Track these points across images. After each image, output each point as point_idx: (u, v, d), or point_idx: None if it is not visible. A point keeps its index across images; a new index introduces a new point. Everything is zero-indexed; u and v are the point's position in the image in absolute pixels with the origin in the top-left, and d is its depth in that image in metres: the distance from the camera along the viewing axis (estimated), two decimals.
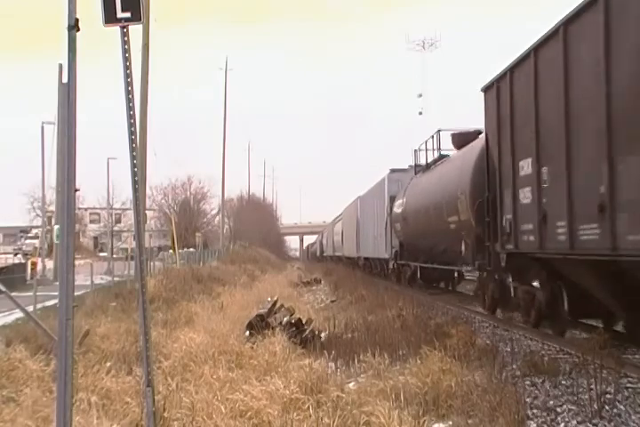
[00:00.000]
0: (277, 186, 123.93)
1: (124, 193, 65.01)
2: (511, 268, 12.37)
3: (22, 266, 32.74)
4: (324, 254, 65.68)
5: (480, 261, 13.99)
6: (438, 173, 18.34)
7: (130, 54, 5.16)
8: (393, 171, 26.87)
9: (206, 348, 9.35)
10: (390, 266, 26.44)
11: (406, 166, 25.30)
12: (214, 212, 67.26)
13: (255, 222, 73.12)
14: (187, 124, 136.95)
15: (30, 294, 17.01)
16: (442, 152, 19.95)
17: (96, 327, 11.55)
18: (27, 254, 47.52)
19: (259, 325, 10.77)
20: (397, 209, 23.38)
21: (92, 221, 76.94)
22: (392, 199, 25.02)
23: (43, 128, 40.88)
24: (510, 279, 12.77)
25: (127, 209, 67.00)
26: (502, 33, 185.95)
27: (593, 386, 7.02)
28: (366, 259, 34.59)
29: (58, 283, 4.67)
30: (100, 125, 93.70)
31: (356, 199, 37.52)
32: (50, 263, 35.58)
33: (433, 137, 20.27)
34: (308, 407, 6.48)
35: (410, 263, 22.92)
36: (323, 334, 11.12)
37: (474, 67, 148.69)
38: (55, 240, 31.31)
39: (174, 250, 36.35)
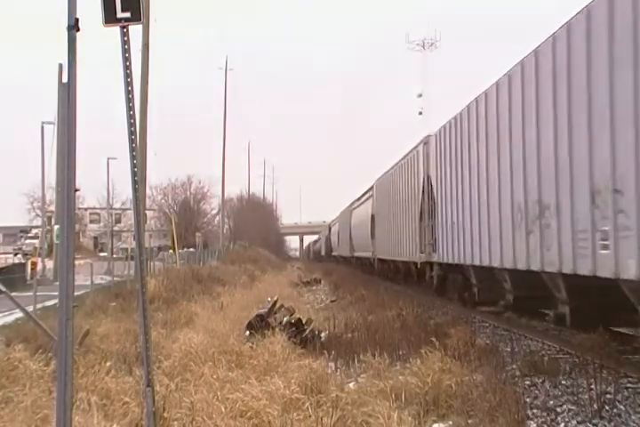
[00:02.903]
0: (277, 186, 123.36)
1: (124, 193, 65.14)
2: None
3: (22, 266, 32.65)
4: (334, 253, 53.20)
5: None
6: None
7: (130, 54, 5.17)
8: None
9: (206, 348, 9.35)
10: None
11: None
12: (214, 212, 67.47)
13: (255, 222, 73.01)
14: (187, 124, 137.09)
15: (30, 294, 16.98)
16: None
17: (96, 327, 11.55)
18: (27, 254, 47.40)
19: (259, 325, 10.77)
20: None
21: (92, 221, 76.88)
22: None
23: (43, 128, 40.84)
24: None
25: (127, 209, 67.03)
26: (502, 32, 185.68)
27: (593, 386, 7.03)
28: (450, 268, 16.08)
29: (58, 283, 4.67)
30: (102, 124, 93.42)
31: (419, 145, 18.89)
32: (50, 263, 35.52)
33: None
34: (308, 407, 6.48)
35: None
36: (323, 334, 11.11)
37: (474, 66, 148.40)
38: (55, 240, 31.34)
39: (174, 250, 36.32)
